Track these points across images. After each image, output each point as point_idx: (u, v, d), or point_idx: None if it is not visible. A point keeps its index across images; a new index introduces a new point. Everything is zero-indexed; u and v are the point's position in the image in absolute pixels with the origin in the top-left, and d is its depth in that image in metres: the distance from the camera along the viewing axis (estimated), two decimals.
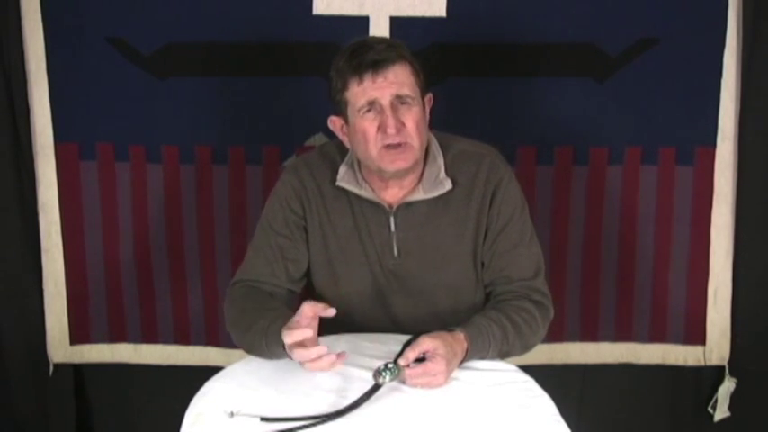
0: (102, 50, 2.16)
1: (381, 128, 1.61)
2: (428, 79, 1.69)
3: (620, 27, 2.15)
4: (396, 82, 1.60)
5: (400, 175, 1.68)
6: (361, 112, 1.62)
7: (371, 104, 1.61)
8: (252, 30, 2.15)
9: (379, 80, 1.59)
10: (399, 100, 1.61)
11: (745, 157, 2.19)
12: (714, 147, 2.21)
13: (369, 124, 1.62)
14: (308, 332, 1.46)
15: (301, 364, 1.49)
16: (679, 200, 2.24)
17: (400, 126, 1.61)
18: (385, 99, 1.60)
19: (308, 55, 2.15)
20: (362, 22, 2.14)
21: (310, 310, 1.48)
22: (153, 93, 2.19)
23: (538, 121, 2.20)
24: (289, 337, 1.47)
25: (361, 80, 1.60)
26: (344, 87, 1.62)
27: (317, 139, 2.18)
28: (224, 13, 2.14)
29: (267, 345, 1.56)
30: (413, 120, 1.62)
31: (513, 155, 2.19)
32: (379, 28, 2.14)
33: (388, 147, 1.62)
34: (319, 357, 1.46)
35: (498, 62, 2.18)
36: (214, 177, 2.25)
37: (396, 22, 2.15)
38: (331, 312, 1.49)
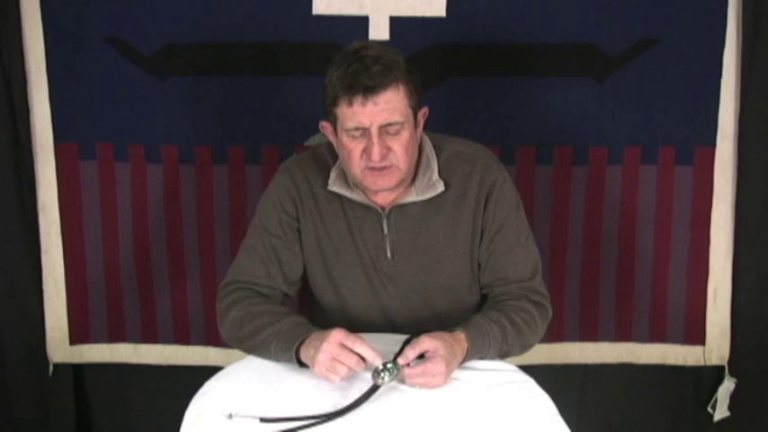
0: (102, 50, 2.16)
1: (366, 152, 1.60)
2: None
3: (620, 27, 2.14)
4: (386, 108, 1.57)
5: (384, 191, 1.68)
6: (349, 132, 1.60)
7: (359, 128, 1.59)
8: (252, 30, 2.15)
9: (369, 105, 1.56)
10: (387, 127, 1.58)
11: (745, 157, 2.19)
12: (714, 146, 2.21)
13: (355, 146, 1.61)
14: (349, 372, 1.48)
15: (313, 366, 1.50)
16: (679, 200, 2.24)
17: (385, 152, 1.60)
18: (373, 126, 1.57)
19: (308, 55, 2.15)
20: (362, 22, 2.14)
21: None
22: (153, 93, 2.19)
23: (538, 121, 2.20)
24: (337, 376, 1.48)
25: (350, 103, 1.56)
26: (335, 103, 1.60)
27: (317, 139, 2.17)
28: (224, 13, 2.14)
29: (275, 350, 1.57)
30: (400, 144, 1.61)
31: (513, 155, 2.19)
32: (379, 28, 2.14)
33: (372, 168, 1.62)
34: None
35: (498, 62, 2.17)
36: (214, 177, 2.25)
37: (395, 22, 2.14)
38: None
